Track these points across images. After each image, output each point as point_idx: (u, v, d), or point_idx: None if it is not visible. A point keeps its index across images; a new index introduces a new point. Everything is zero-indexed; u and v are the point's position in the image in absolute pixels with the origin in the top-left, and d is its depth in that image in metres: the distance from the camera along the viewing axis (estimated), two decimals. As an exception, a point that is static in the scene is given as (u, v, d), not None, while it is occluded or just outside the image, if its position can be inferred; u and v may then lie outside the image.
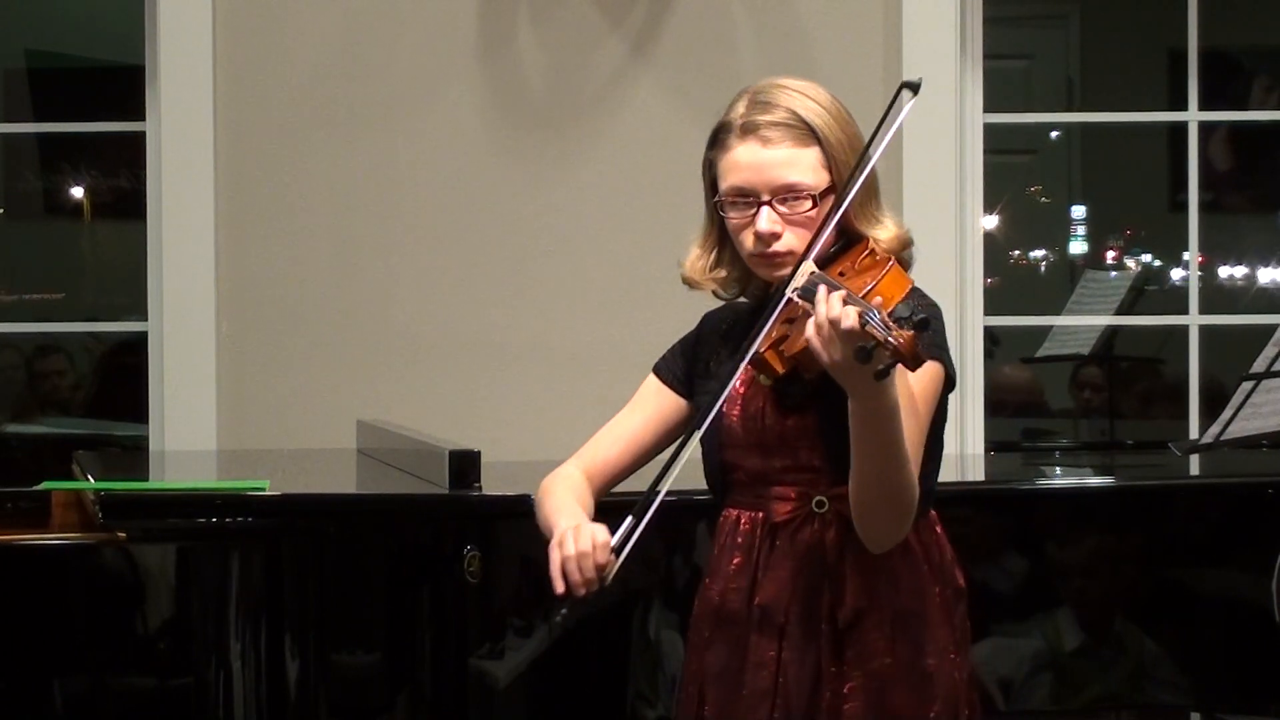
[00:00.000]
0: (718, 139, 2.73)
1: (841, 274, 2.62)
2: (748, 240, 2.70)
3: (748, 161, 2.68)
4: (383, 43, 4.88)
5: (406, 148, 4.88)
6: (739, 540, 2.72)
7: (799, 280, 2.59)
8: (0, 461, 5.94)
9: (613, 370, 4.78)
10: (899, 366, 2.41)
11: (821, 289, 2.52)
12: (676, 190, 4.85)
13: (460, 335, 4.87)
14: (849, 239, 2.71)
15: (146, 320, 4.96)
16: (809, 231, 2.67)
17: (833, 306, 2.45)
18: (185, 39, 4.85)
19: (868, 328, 2.40)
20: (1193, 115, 5.10)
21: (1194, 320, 5.05)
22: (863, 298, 2.47)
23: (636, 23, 4.87)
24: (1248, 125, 6.60)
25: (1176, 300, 5.35)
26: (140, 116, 4.95)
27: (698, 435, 2.67)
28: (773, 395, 2.69)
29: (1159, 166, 6.92)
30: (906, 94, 2.66)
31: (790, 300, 2.58)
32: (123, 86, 5.11)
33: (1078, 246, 7.63)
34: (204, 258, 4.85)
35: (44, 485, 3.56)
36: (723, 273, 2.79)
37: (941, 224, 4.84)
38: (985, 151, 4.96)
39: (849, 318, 2.43)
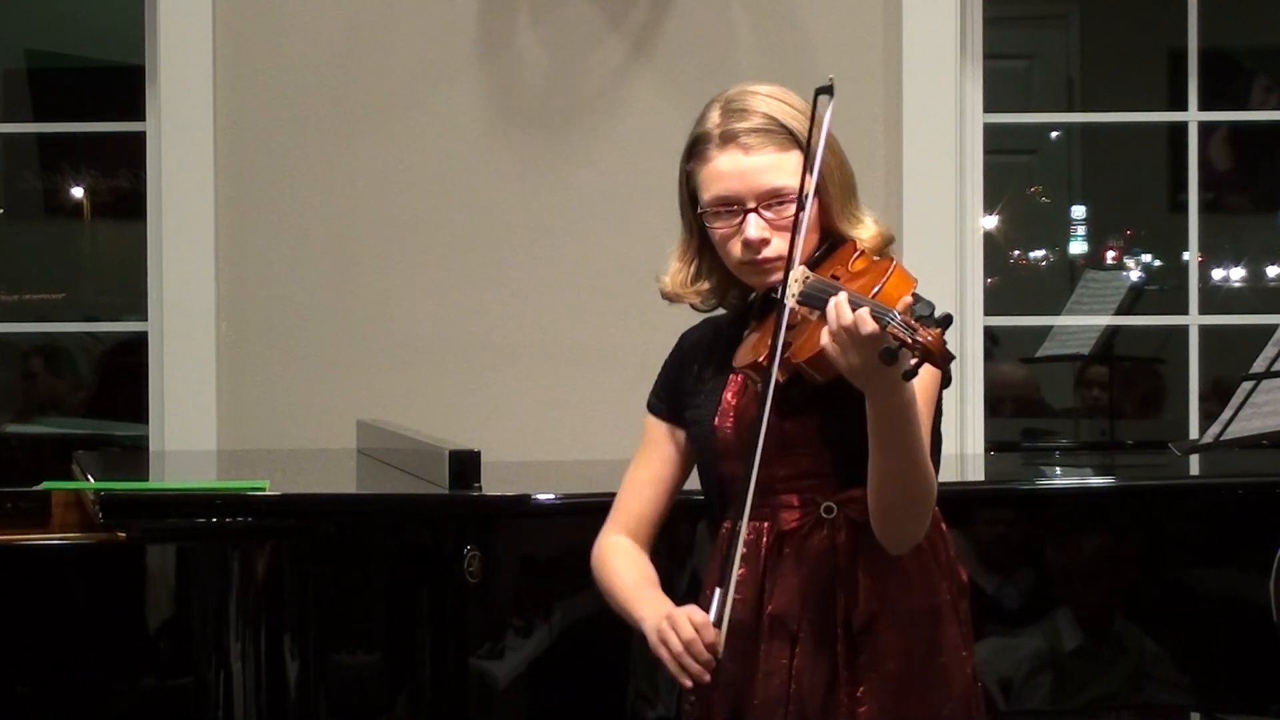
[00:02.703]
0: (695, 150, 2.72)
1: (834, 276, 2.60)
2: (735, 249, 2.68)
3: (731, 169, 2.67)
4: (383, 43, 4.88)
5: (406, 148, 4.88)
6: (743, 551, 2.68)
7: (795, 286, 2.57)
8: (0, 461, 5.95)
9: (613, 370, 4.79)
10: (926, 365, 2.38)
11: (826, 293, 2.50)
12: (676, 190, 4.87)
13: (460, 335, 4.87)
14: (833, 241, 2.70)
15: (146, 320, 4.96)
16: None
17: (843, 313, 2.43)
18: (185, 39, 4.85)
19: (889, 329, 2.39)
20: (1193, 115, 5.10)
21: (1194, 320, 5.04)
22: (872, 299, 2.46)
23: (636, 23, 4.87)
24: (1248, 125, 6.60)
25: (1176, 300, 5.35)
26: (140, 116, 4.95)
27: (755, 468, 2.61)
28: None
29: (1159, 166, 6.92)
30: (824, 99, 2.61)
31: (792, 308, 2.56)
32: (123, 86, 5.11)
33: (1078, 246, 7.63)
34: (204, 258, 4.85)
35: (44, 485, 3.56)
36: (705, 285, 2.77)
37: (941, 224, 4.84)
38: (985, 151, 4.96)
39: (866, 322, 2.41)
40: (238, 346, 4.88)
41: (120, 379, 5.89)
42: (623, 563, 2.79)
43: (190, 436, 4.83)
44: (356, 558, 3.37)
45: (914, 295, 2.54)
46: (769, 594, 2.67)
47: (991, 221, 6.89)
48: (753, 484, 2.58)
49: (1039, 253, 7.70)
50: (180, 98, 4.86)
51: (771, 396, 2.57)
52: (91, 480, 3.66)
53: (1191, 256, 5.17)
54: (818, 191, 2.65)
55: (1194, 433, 4.93)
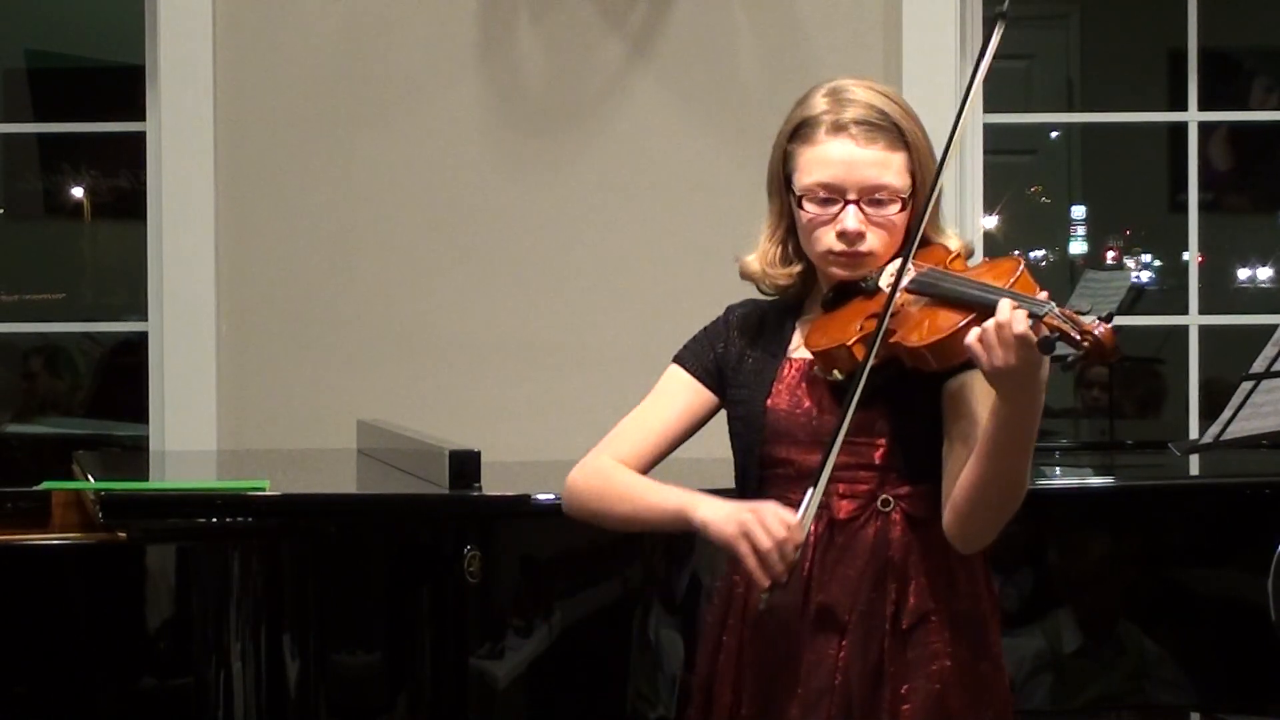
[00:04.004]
0: (801, 131, 2.67)
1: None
2: (825, 237, 2.65)
3: (841, 157, 2.64)
4: (383, 43, 4.88)
5: (406, 148, 4.88)
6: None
7: (908, 274, 2.57)
8: (0, 461, 5.95)
9: (613, 369, 4.79)
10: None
11: (939, 281, 2.51)
12: (676, 190, 4.87)
13: (460, 335, 4.87)
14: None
15: (146, 320, 4.96)
16: (888, 234, 2.64)
17: (1002, 309, 2.44)
18: (185, 39, 4.85)
19: (1047, 318, 2.40)
20: (1193, 115, 5.10)
21: (1194, 320, 5.04)
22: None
23: (636, 23, 4.87)
24: (1248, 125, 6.61)
25: (1176, 300, 5.35)
26: (140, 116, 4.95)
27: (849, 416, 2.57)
28: (831, 390, 2.63)
29: (1159, 166, 6.93)
30: (1000, 25, 2.58)
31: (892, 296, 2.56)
32: (123, 86, 5.11)
33: (1078, 246, 7.64)
34: (204, 258, 4.85)
35: (44, 485, 3.55)
36: (797, 268, 2.73)
37: (941, 224, 4.83)
38: (985, 151, 4.96)
39: (1020, 321, 2.43)
40: (238, 346, 4.88)
41: (120, 379, 5.90)
42: (620, 470, 2.73)
43: (190, 436, 4.83)
44: (356, 558, 3.37)
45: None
46: (818, 583, 2.64)
47: (991, 221, 6.90)
48: (830, 463, 2.55)
49: (1039, 253, 7.71)
50: (180, 98, 4.86)
51: (864, 380, 2.54)
52: (91, 480, 3.66)
53: (1191, 256, 5.17)
54: (916, 193, 2.64)
55: (1194, 433, 4.93)
